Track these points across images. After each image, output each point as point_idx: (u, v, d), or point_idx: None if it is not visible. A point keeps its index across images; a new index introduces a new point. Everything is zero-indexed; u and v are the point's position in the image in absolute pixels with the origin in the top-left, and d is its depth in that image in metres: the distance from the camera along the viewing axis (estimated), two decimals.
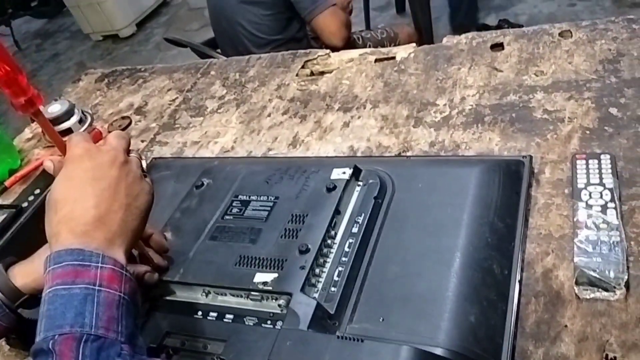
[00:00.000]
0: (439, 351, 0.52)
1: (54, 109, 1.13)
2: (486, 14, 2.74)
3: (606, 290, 0.57)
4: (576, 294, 0.59)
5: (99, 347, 0.44)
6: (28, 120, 1.26)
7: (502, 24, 2.51)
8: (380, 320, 0.58)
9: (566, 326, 0.56)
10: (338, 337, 0.53)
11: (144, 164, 0.59)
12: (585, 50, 0.91)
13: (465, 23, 2.47)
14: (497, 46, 0.99)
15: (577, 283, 0.59)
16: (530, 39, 0.98)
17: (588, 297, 0.58)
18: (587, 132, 0.77)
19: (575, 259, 0.60)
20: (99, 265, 0.47)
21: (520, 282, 0.61)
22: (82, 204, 0.50)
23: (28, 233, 0.88)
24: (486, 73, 0.94)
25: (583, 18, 1.92)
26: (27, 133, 1.25)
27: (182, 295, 0.68)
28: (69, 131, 1.14)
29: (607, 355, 0.53)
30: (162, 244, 0.69)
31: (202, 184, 0.82)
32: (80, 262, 0.47)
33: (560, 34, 0.97)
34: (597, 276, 0.58)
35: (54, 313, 0.45)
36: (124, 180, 0.53)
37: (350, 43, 1.71)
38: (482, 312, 0.57)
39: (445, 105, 0.90)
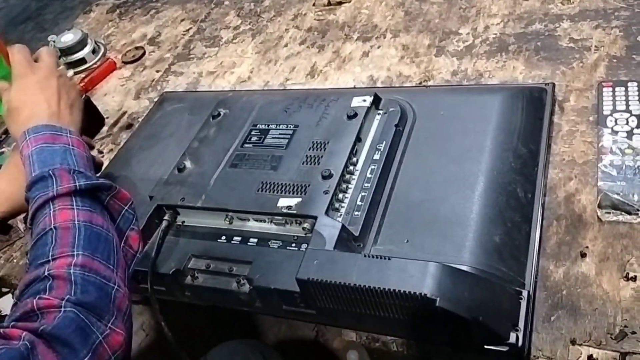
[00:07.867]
0: (465, 268, 0.53)
1: (67, 38, 1.12)
2: None
3: (629, 213, 0.58)
4: (598, 217, 0.59)
5: (85, 176, 0.58)
6: None
7: None
8: (405, 242, 0.59)
9: (587, 247, 0.57)
10: (365, 255, 0.54)
11: None
12: None
13: None
14: None
15: (600, 206, 0.59)
16: None
17: (610, 219, 0.59)
18: (614, 60, 0.75)
19: (599, 183, 0.60)
20: (68, 135, 0.62)
21: (543, 205, 0.61)
22: (38, 107, 0.63)
23: None
24: (511, 2, 0.91)
25: None
26: None
27: (204, 221, 0.69)
28: (82, 61, 1.13)
29: (627, 274, 0.54)
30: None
31: (219, 114, 0.81)
32: (55, 132, 0.61)
33: None
34: (621, 199, 0.58)
35: (44, 159, 0.58)
36: (63, 87, 0.67)
37: None
38: (507, 233, 0.57)
39: (468, 34, 0.88)
